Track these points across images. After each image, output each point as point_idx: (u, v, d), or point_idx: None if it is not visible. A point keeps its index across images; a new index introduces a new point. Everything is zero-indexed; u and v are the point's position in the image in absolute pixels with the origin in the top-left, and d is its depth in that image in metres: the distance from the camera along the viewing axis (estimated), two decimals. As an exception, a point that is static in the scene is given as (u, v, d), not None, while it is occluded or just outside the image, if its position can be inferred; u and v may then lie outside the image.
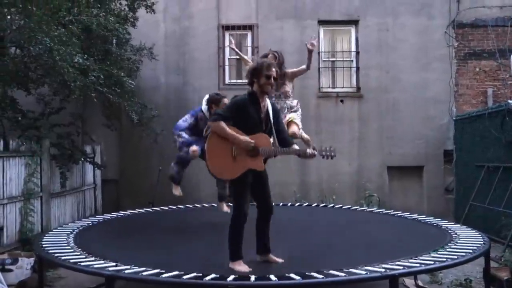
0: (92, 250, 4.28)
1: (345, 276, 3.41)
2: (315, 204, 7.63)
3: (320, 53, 9.53)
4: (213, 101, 5.38)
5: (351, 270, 3.51)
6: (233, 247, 3.74)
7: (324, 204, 7.60)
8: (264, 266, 3.86)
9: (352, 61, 9.63)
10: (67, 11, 6.77)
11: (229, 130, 3.70)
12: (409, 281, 5.12)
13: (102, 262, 3.86)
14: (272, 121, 3.83)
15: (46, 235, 5.07)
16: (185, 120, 5.58)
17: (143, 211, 6.88)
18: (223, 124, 3.71)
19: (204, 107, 5.47)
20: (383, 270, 3.53)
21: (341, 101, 9.45)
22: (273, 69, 3.78)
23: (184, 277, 3.41)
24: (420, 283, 5.07)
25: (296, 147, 3.94)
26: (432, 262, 3.76)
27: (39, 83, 7.24)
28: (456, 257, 3.92)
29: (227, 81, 9.66)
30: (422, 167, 9.35)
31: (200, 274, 3.43)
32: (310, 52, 5.45)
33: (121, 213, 6.74)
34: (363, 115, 9.40)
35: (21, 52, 6.94)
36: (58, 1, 6.23)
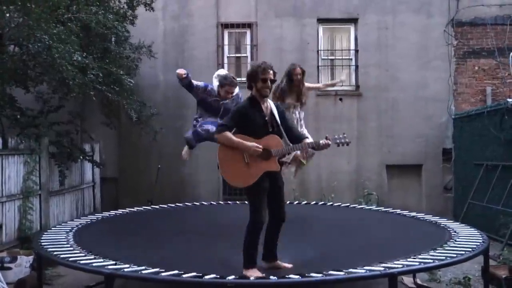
0: (91, 248, 4.27)
1: (344, 274, 3.41)
2: (314, 202, 7.61)
3: (319, 51, 9.52)
4: (221, 84, 5.47)
5: (350, 269, 3.50)
6: (248, 254, 3.70)
7: (323, 203, 7.59)
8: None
9: (351, 59, 9.63)
10: (66, 9, 6.77)
11: (236, 139, 3.70)
12: (408, 279, 5.12)
13: (101, 260, 3.85)
14: (278, 121, 3.83)
15: (45, 233, 5.06)
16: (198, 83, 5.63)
17: (142, 209, 6.86)
18: (228, 134, 3.72)
19: (215, 83, 5.55)
20: (382, 268, 3.53)
21: (340, 99, 9.43)
22: (270, 72, 3.77)
23: (184, 275, 3.41)
24: (419, 281, 5.07)
25: (308, 140, 3.92)
26: (431, 261, 3.76)
27: (38, 81, 7.24)
28: (455, 255, 3.92)
29: (226, 79, 9.65)
30: (421, 165, 9.35)
31: (200, 274, 3.42)
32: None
33: (120, 211, 6.72)
34: (362, 114, 9.39)
35: (20, 50, 6.94)
36: (57, -2, 6.22)
